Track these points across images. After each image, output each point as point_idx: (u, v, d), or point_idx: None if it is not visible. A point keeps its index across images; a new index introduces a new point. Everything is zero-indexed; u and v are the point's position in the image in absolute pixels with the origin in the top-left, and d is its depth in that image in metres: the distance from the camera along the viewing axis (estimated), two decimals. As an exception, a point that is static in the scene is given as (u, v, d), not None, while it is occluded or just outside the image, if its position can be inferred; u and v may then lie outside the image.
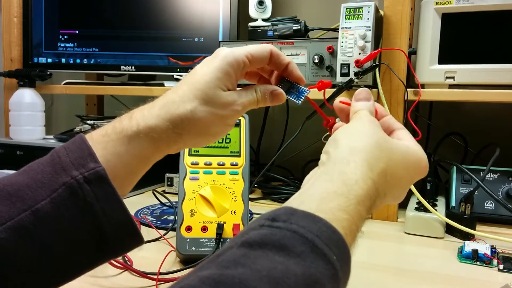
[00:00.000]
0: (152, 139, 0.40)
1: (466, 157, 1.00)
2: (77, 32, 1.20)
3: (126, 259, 0.59)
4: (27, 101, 1.13)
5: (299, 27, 0.93)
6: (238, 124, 0.68)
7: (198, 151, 0.67)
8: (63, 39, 1.20)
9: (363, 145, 0.37)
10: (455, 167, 0.84)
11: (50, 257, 0.35)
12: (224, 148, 0.67)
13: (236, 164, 0.66)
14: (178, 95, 0.41)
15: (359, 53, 0.79)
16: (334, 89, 0.81)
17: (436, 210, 0.74)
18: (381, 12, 0.83)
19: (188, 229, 0.61)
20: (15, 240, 0.34)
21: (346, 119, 0.45)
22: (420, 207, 0.77)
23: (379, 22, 0.82)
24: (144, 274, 0.55)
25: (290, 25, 0.95)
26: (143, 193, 1.02)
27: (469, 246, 0.64)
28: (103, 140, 0.39)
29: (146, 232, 0.71)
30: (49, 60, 1.21)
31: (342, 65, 0.80)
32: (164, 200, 0.89)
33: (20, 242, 0.34)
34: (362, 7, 0.79)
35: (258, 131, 1.20)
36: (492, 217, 0.79)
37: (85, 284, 0.52)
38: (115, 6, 1.17)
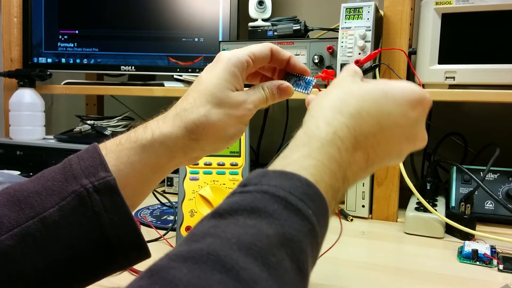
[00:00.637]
0: (167, 147, 0.39)
1: (466, 157, 1.00)
2: (77, 32, 1.20)
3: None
4: (27, 101, 1.13)
5: (299, 27, 0.93)
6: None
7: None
8: (63, 39, 1.20)
9: (330, 97, 0.37)
10: (455, 167, 0.84)
11: (55, 266, 0.35)
12: (224, 148, 0.67)
13: (236, 164, 0.66)
14: (189, 102, 0.40)
15: (359, 53, 0.79)
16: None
17: (436, 210, 0.74)
18: (381, 12, 0.83)
19: (188, 229, 0.61)
20: (21, 247, 0.33)
21: None
22: (420, 207, 0.77)
23: (379, 22, 0.82)
24: (144, 274, 0.55)
25: (290, 25, 0.95)
26: (143, 193, 1.02)
27: (469, 246, 0.64)
28: (116, 149, 0.39)
29: (146, 232, 0.71)
30: (49, 60, 1.21)
31: (342, 65, 0.80)
32: (164, 200, 0.89)
33: (26, 250, 0.34)
34: (362, 7, 0.79)
35: (258, 131, 1.20)
36: (492, 217, 0.79)
37: (85, 284, 0.52)
38: (115, 6, 1.17)
